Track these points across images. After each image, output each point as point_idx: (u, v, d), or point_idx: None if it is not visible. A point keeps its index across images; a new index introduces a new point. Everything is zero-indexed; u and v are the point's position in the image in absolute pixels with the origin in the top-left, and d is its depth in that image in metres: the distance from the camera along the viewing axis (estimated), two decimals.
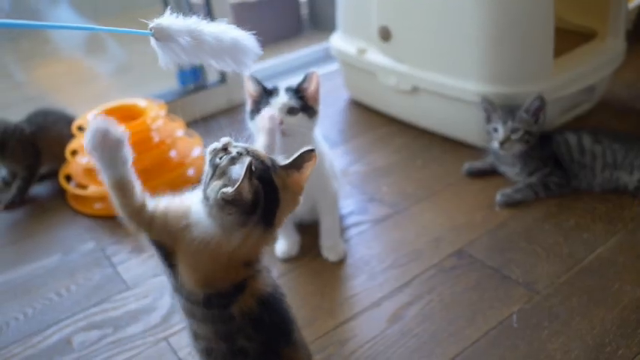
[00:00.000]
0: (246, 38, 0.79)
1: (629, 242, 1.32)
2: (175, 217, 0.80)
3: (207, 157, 0.78)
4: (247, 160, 0.72)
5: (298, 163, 0.80)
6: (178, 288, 0.82)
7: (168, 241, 0.79)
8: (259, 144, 0.94)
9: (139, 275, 1.36)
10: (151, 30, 0.73)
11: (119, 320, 1.23)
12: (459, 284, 1.25)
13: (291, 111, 1.21)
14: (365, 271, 1.31)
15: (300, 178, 0.80)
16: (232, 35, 0.79)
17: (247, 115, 1.27)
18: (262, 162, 0.77)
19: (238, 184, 0.70)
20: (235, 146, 0.78)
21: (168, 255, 0.80)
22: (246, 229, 0.75)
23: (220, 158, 0.76)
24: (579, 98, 1.80)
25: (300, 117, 1.22)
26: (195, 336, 0.85)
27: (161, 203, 0.83)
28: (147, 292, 1.30)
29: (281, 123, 1.19)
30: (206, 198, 0.75)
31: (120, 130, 0.78)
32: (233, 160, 0.75)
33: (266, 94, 1.23)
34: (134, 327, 1.20)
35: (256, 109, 1.23)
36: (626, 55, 1.84)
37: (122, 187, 0.80)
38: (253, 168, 0.73)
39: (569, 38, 1.82)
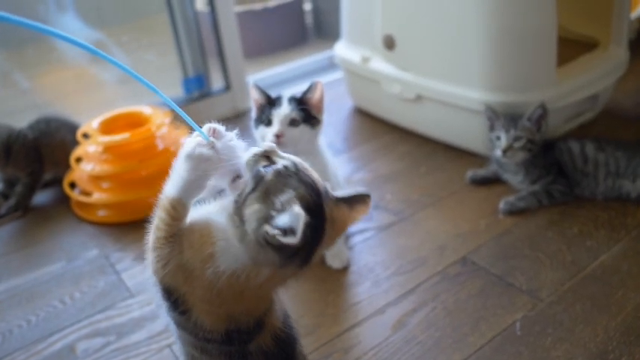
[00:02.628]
0: None
1: (632, 250, 1.32)
2: (200, 242, 0.70)
3: (247, 162, 0.70)
4: (301, 215, 0.63)
5: (352, 201, 0.73)
6: (190, 328, 0.73)
7: (182, 280, 0.70)
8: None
9: (142, 282, 1.36)
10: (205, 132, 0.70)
11: (123, 327, 1.23)
12: (463, 291, 1.25)
13: (292, 122, 1.21)
14: (369, 278, 1.31)
15: (348, 217, 0.73)
16: None
17: (252, 124, 1.27)
18: (315, 188, 0.69)
19: (290, 241, 0.62)
20: (281, 157, 0.71)
21: (179, 300, 0.71)
22: (282, 268, 0.68)
23: (264, 168, 0.68)
24: (583, 107, 1.80)
25: (302, 128, 1.22)
26: None
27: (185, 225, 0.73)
28: (151, 299, 1.30)
29: (280, 136, 1.19)
30: (240, 217, 0.67)
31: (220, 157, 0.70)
32: (281, 179, 0.67)
33: (269, 103, 1.23)
34: (138, 334, 1.21)
35: (260, 119, 1.24)
36: (629, 64, 1.84)
37: (182, 207, 0.71)
38: (305, 202, 0.65)
39: (572, 47, 1.82)
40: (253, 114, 1.28)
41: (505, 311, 1.18)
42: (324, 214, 0.69)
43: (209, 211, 0.73)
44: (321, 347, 1.13)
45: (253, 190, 0.67)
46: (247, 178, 0.68)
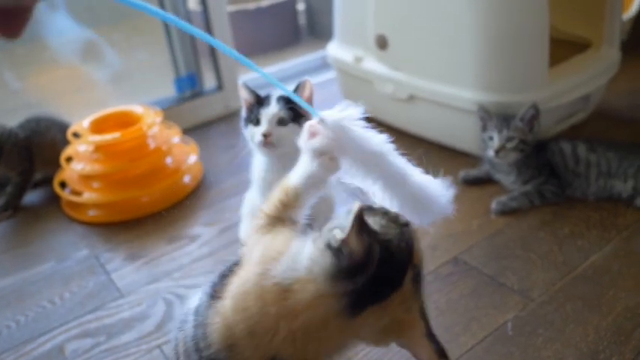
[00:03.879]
0: (438, 193, 0.69)
1: (623, 250, 1.32)
2: (275, 242, 0.68)
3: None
4: (357, 206, 0.59)
5: (434, 343, 0.65)
6: None
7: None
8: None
9: (133, 283, 1.35)
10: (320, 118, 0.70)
11: (113, 328, 1.22)
12: (455, 291, 1.24)
13: (281, 122, 1.20)
14: None
15: (414, 341, 0.65)
16: (419, 181, 0.68)
17: (242, 123, 1.27)
18: (409, 253, 0.64)
19: (340, 235, 0.59)
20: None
21: None
22: (331, 292, 0.61)
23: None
24: (575, 107, 1.80)
25: (291, 127, 1.21)
26: None
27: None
28: (141, 299, 1.30)
29: (268, 135, 1.18)
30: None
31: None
32: (384, 222, 0.64)
33: (258, 102, 1.23)
34: (128, 335, 1.20)
35: (249, 118, 1.23)
36: (620, 64, 1.85)
37: (294, 195, 0.70)
38: (388, 244, 0.61)
39: (564, 48, 1.83)
40: (243, 113, 1.27)
41: (497, 311, 1.18)
42: (398, 281, 0.62)
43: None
44: None
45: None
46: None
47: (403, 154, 0.74)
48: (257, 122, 1.20)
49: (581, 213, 1.46)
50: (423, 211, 0.70)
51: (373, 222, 0.64)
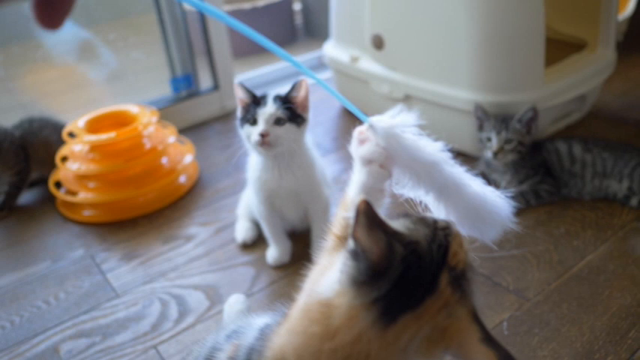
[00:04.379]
0: (499, 205, 0.65)
1: (618, 250, 1.32)
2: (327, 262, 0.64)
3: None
4: (360, 198, 0.55)
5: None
6: None
7: None
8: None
9: (128, 283, 1.35)
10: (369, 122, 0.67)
11: (108, 328, 1.22)
12: None
13: (278, 121, 1.20)
14: None
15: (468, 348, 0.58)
16: (478, 193, 0.64)
17: (238, 123, 1.27)
18: (444, 253, 0.59)
19: (354, 224, 0.55)
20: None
21: None
22: (359, 302, 0.56)
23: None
24: (570, 107, 1.81)
25: (288, 127, 1.21)
26: None
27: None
28: (136, 299, 1.29)
29: (266, 135, 1.18)
30: None
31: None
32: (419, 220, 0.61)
33: (254, 102, 1.22)
34: (123, 335, 1.19)
35: (245, 118, 1.23)
36: (616, 65, 1.85)
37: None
38: (416, 245, 0.57)
39: (560, 48, 1.83)
40: (238, 113, 1.27)
41: (493, 311, 1.18)
42: (431, 286, 0.57)
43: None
44: None
45: None
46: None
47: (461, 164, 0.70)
48: (254, 122, 1.20)
49: (576, 213, 1.46)
50: (482, 224, 0.66)
51: (398, 224, 0.60)
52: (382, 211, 0.71)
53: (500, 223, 0.66)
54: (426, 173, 0.66)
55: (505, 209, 0.67)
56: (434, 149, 0.67)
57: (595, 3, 1.81)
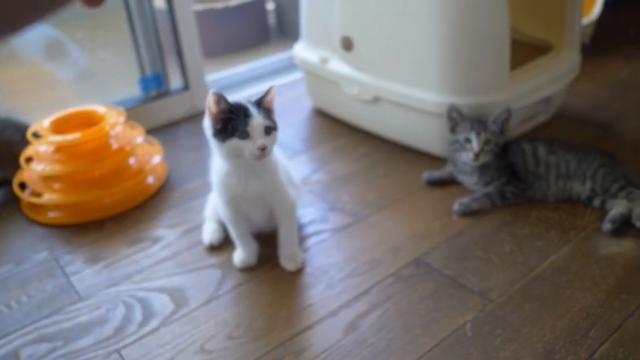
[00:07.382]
0: None
1: (581, 250, 1.35)
2: None
3: None
4: None
5: None
6: None
7: None
8: None
9: (92, 286, 1.33)
10: None
11: (70, 332, 1.20)
12: (416, 293, 1.25)
13: (268, 130, 1.15)
14: (323, 280, 1.31)
15: None
16: None
17: (210, 133, 1.18)
18: None
19: None
20: None
21: None
22: None
23: None
24: (536, 109, 1.83)
25: (274, 134, 1.18)
26: None
27: None
28: (100, 303, 1.28)
29: (265, 148, 1.14)
30: None
31: None
32: None
33: (234, 113, 1.14)
34: (85, 339, 1.18)
35: (229, 132, 1.14)
36: (582, 67, 1.89)
37: None
38: None
39: (526, 51, 1.86)
40: (207, 123, 1.18)
41: (456, 312, 1.19)
42: None
43: None
44: (272, 351, 1.12)
45: None
46: None
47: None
48: (244, 135, 1.13)
49: (540, 214, 1.48)
50: None
51: None
52: None
53: None
54: None
55: None
56: None
57: (560, 6, 1.83)
